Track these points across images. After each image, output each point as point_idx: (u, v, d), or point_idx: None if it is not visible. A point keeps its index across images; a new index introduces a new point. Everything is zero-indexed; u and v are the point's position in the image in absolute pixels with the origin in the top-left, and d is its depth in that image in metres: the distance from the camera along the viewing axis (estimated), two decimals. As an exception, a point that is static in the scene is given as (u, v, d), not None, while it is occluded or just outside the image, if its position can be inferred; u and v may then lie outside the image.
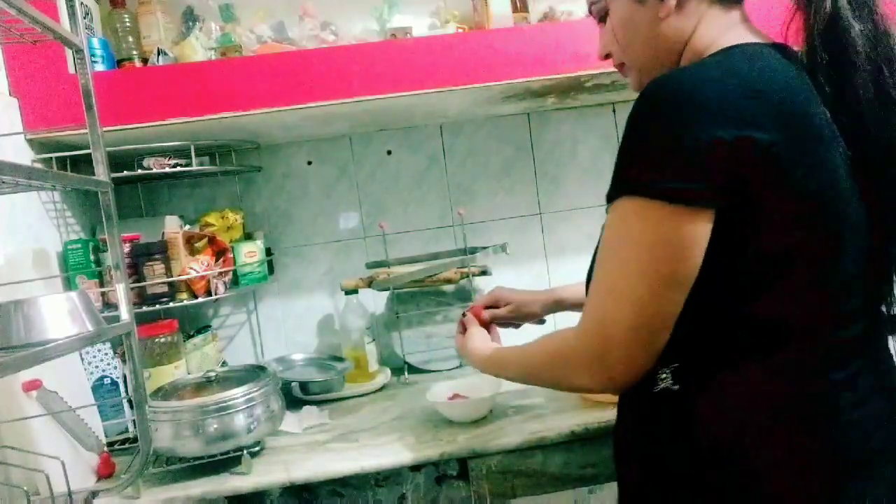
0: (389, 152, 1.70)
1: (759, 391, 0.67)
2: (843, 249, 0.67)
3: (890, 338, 0.75)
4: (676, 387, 0.70)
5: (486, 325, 1.13)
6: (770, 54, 0.69)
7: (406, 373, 1.54)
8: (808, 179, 0.64)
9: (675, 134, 0.63)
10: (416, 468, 1.10)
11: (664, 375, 0.70)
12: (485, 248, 1.52)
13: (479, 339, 1.07)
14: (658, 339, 0.67)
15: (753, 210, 0.64)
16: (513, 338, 1.06)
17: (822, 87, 0.68)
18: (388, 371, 1.57)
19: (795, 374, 0.67)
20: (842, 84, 0.68)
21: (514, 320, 1.18)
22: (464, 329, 1.13)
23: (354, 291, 1.55)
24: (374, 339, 1.55)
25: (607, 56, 0.86)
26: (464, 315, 1.15)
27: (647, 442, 0.75)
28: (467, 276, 1.54)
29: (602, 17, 0.84)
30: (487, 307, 1.16)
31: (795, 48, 0.73)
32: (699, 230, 0.64)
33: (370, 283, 1.53)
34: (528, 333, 1.05)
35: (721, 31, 0.74)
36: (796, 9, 0.72)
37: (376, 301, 1.67)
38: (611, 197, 0.68)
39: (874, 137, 0.67)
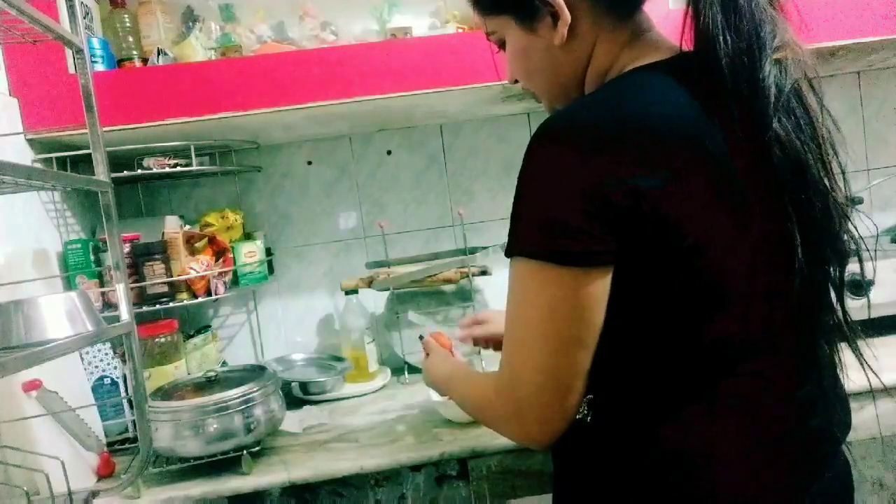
0: (389, 152, 1.70)
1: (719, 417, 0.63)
2: (763, 267, 0.63)
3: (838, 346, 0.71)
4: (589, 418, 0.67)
5: (449, 348, 1.07)
6: (659, 82, 0.66)
7: (406, 373, 1.54)
8: (697, 220, 0.60)
9: (556, 193, 0.61)
10: (416, 468, 1.10)
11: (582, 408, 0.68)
12: (485, 248, 1.52)
13: (432, 363, 1.01)
14: (569, 396, 0.65)
15: (651, 256, 0.61)
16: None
17: (729, 94, 0.63)
18: (388, 371, 1.58)
19: (749, 398, 0.64)
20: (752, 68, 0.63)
21: (489, 347, 1.13)
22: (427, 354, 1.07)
23: (354, 291, 1.55)
24: (374, 339, 1.55)
25: (516, 81, 0.81)
26: (420, 338, 1.10)
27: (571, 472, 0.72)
28: (467, 276, 1.54)
29: (501, 46, 0.79)
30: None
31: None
32: (597, 288, 0.62)
33: (370, 283, 1.53)
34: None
35: (618, 49, 0.71)
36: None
37: (376, 301, 1.67)
38: (507, 253, 0.66)
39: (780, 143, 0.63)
